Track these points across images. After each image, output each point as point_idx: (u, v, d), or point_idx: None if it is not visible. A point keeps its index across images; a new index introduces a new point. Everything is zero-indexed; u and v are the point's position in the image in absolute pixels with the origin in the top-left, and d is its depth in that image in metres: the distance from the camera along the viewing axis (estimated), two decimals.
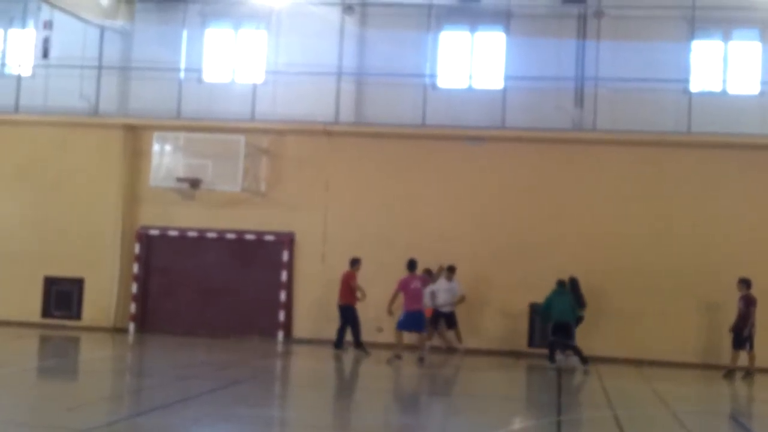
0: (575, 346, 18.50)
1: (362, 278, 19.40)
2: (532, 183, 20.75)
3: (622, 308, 19.94)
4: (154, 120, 21.70)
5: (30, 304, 21.78)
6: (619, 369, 18.87)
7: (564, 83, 20.89)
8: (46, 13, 21.48)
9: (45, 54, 21.35)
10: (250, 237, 21.48)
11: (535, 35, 21.11)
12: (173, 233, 21.76)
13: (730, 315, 18.53)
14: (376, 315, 19.27)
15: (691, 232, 20.13)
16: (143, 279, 21.83)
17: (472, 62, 21.83)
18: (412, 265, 18.60)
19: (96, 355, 19.00)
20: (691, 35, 20.79)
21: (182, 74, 22.24)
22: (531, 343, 20.50)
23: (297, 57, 21.36)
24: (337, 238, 20.97)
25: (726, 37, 21.13)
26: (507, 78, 21.30)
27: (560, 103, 20.86)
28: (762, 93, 20.78)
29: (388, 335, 19.07)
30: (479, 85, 21.79)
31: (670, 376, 18.58)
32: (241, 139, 20.71)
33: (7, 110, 22.29)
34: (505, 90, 21.24)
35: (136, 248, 21.79)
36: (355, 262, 19.36)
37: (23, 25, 22.89)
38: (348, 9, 21.43)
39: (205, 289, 21.52)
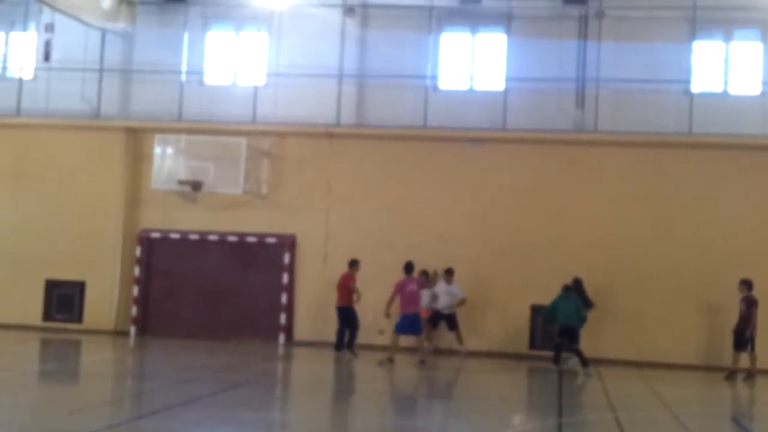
0: (578, 349, 18.46)
1: (363, 280, 19.41)
2: (533, 184, 20.74)
3: (623, 310, 19.93)
4: (155, 123, 21.71)
5: (31, 308, 21.80)
6: (620, 371, 18.85)
7: (565, 84, 20.88)
8: (47, 16, 21.48)
9: (46, 57, 21.41)
10: (251, 239, 21.48)
11: (536, 36, 21.10)
12: (175, 236, 21.77)
13: (732, 316, 18.51)
14: (376, 317, 19.24)
15: (693, 233, 20.11)
16: (144, 282, 21.84)
17: (473, 64, 21.83)
18: (408, 267, 18.59)
19: (97, 358, 19.01)
20: (692, 36, 20.76)
21: (184, 77, 22.24)
22: (532, 345, 20.48)
23: (298, 59, 21.36)
24: (338, 240, 20.97)
25: (727, 38, 21.12)
26: (508, 79, 21.29)
27: (561, 105, 20.84)
28: (763, 94, 20.76)
29: (387, 337, 19.05)
30: (480, 86, 21.79)
31: (671, 377, 18.56)
32: (243, 141, 20.72)
33: (8, 113, 22.29)
34: (506, 91, 21.23)
35: (138, 251, 21.80)
36: (353, 264, 19.37)
37: (25, 28, 22.88)
38: (349, 11, 21.43)
39: (207, 291, 21.52)
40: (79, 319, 21.85)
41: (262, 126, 21.54)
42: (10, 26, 23.18)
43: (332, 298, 19.66)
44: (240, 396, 14.02)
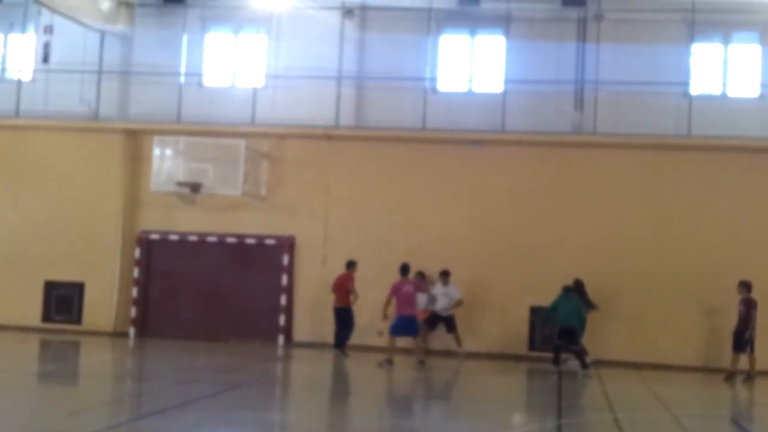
0: (578, 350, 18.44)
1: (362, 281, 19.43)
2: (532, 186, 20.75)
3: (623, 311, 19.94)
4: (154, 124, 21.71)
5: (30, 309, 21.78)
6: (620, 372, 18.85)
7: (564, 86, 20.90)
8: (46, 17, 21.48)
9: (45, 59, 21.41)
10: (250, 241, 21.48)
11: (535, 39, 21.12)
12: (174, 237, 21.76)
13: (731, 318, 18.52)
14: (375, 319, 19.23)
15: (692, 235, 20.13)
16: (144, 283, 21.83)
17: (472, 66, 21.84)
18: (404, 269, 18.60)
19: (96, 360, 19.01)
20: (691, 38, 20.79)
21: (182, 78, 22.24)
22: (532, 346, 20.48)
23: (297, 61, 21.36)
24: (337, 242, 20.97)
25: (726, 40, 21.15)
26: (507, 81, 21.31)
27: (560, 107, 20.86)
28: (762, 96, 20.78)
29: (386, 339, 19.03)
30: (479, 88, 21.80)
31: (670, 379, 18.57)
32: (242, 143, 20.72)
33: (7, 115, 22.29)
34: (505, 93, 21.24)
35: (137, 252, 21.80)
36: (351, 265, 19.39)
37: (23, 30, 22.86)
38: (348, 13, 21.44)
39: (206, 293, 21.52)
40: (78, 320, 21.84)
41: (261, 128, 21.54)
42: (9, 28, 23.17)
43: (331, 300, 19.66)
44: (239, 397, 14.02)
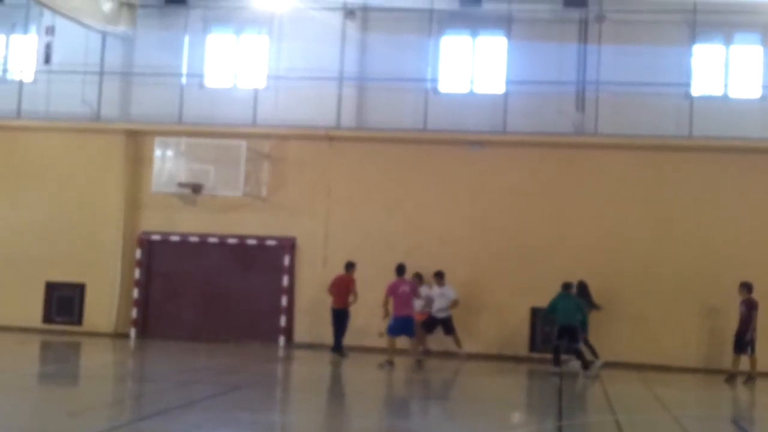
0: (579, 350, 18.42)
1: (362, 282, 19.41)
2: (533, 187, 20.75)
3: (624, 312, 19.92)
4: (155, 125, 21.73)
5: (31, 310, 21.80)
6: (620, 373, 18.82)
7: (565, 87, 20.90)
8: (48, 18, 21.57)
9: (47, 59, 21.46)
10: (251, 242, 21.49)
11: (537, 40, 21.12)
12: (175, 238, 21.77)
13: (732, 319, 18.50)
14: (375, 320, 19.24)
15: (693, 236, 20.12)
16: (145, 284, 21.84)
17: (474, 67, 21.85)
18: (400, 269, 18.60)
19: (97, 361, 19.02)
20: (693, 39, 20.78)
21: (184, 79, 22.26)
22: (533, 347, 20.47)
23: (298, 62, 21.37)
24: (338, 243, 20.98)
25: (727, 41, 21.14)
26: (508, 82, 21.32)
27: (561, 108, 20.86)
28: (763, 97, 20.78)
29: (383, 340, 19.04)
30: (480, 89, 21.80)
31: (671, 380, 18.55)
32: (243, 144, 20.74)
33: (9, 116, 22.32)
34: (506, 94, 21.24)
35: (138, 253, 21.81)
36: (351, 266, 19.39)
37: (25, 31, 22.88)
38: (349, 14, 21.44)
39: (207, 294, 21.54)
40: (79, 321, 21.86)
41: (262, 129, 21.55)
42: (10, 29, 23.20)
43: (331, 301, 19.64)
44: (240, 398, 14.02)
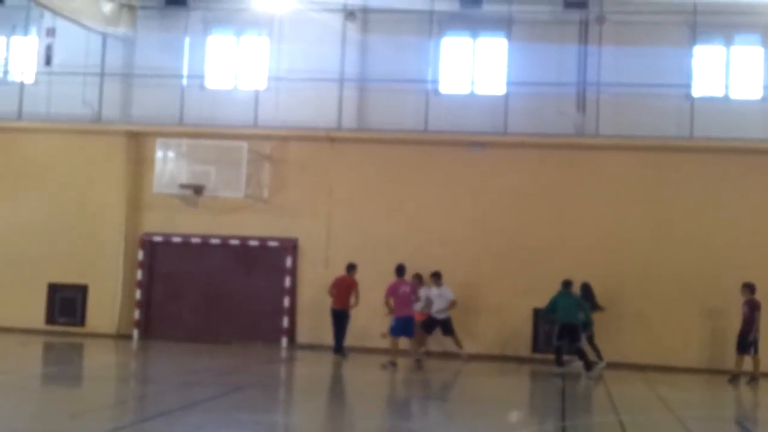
0: (581, 350, 18.37)
1: (365, 282, 19.41)
2: (534, 188, 20.76)
3: (626, 313, 19.93)
4: (156, 127, 21.73)
5: (34, 311, 21.80)
6: (623, 374, 18.83)
7: (566, 89, 20.92)
8: (48, 20, 21.58)
9: (48, 61, 21.47)
10: (253, 243, 21.50)
11: (537, 41, 21.14)
12: (177, 240, 21.77)
13: (734, 319, 18.50)
14: (372, 320, 19.25)
15: (694, 237, 20.13)
16: (147, 285, 21.84)
17: (474, 68, 21.86)
18: (400, 270, 18.61)
19: (99, 362, 19.01)
20: (693, 40, 20.80)
21: (185, 81, 22.27)
22: (535, 348, 20.47)
23: (299, 63, 21.40)
24: (340, 244, 20.98)
25: (728, 42, 21.17)
26: (509, 84, 21.34)
27: (562, 109, 20.88)
28: (764, 98, 20.81)
29: (381, 341, 19.05)
30: (481, 90, 21.82)
31: (674, 381, 18.55)
32: (244, 145, 20.75)
33: (10, 117, 22.32)
34: (507, 95, 21.26)
35: (140, 255, 21.81)
36: (352, 268, 19.39)
37: (26, 33, 22.88)
38: (350, 15, 21.45)
39: (209, 295, 21.54)
40: (81, 322, 21.86)
41: (263, 130, 21.56)
42: (11, 30, 23.21)
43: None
44: (242, 399, 14.02)
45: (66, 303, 21.86)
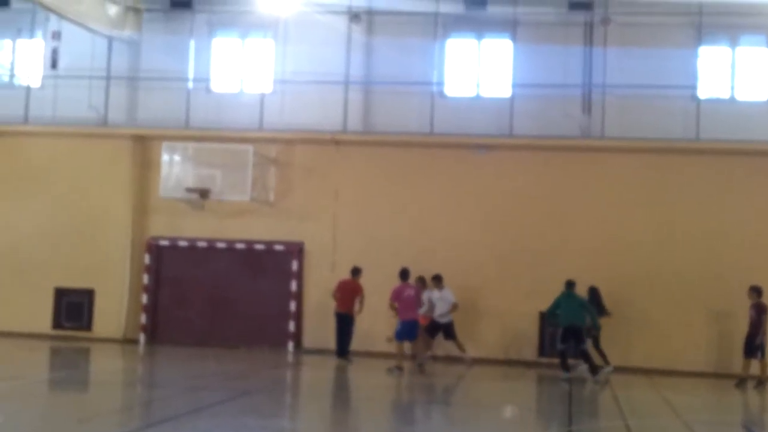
0: (586, 352, 18.30)
1: (370, 285, 19.38)
2: (540, 191, 20.74)
3: (632, 316, 19.89)
4: (162, 130, 21.74)
5: (40, 316, 21.83)
6: (629, 378, 18.79)
7: (571, 90, 20.90)
8: (54, 23, 21.59)
9: (54, 65, 21.47)
10: (259, 247, 21.49)
11: (542, 43, 21.12)
12: (183, 244, 21.79)
13: (741, 323, 18.44)
14: (376, 324, 19.23)
15: (700, 239, 20.10)
16: (153, 290, 21.86)
17: (479, 70, 21.84)
18: (404, 274, 18.60)
19: (106, 367, 19.02)
20: (699, 41, 20.77)
21: (190, 84, 22.29)
22: (541, 352, 20.44)
23: (304, 66, 21.41)
24: (346, 247, 20.98)
25: (733, 44, 21.12)
26: (514, 86, 21.32)
27: (568, 111, 20.86)
28: None
29: (386, 345, 19.04)
30: (486, 93, 21.79)
31: (681, 385, 18.51)
32: (250, 148, 20.75)
33: (16, 121, 22.35)
34: (512, 98, 21.24)
35: (146, 259, 21.82)
36: (357, 272, 19.38)
37: (31, 36, 22.91)
38: (355, 18, 21.46)
39: (215, 299, 21.55)
40: (88, 327, 21.88)
41: (268, 133, 21.57)
42: (17, 34, 23.21)
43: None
44: (249, 404, 14.01)
45: (72, 307, 21.89)
